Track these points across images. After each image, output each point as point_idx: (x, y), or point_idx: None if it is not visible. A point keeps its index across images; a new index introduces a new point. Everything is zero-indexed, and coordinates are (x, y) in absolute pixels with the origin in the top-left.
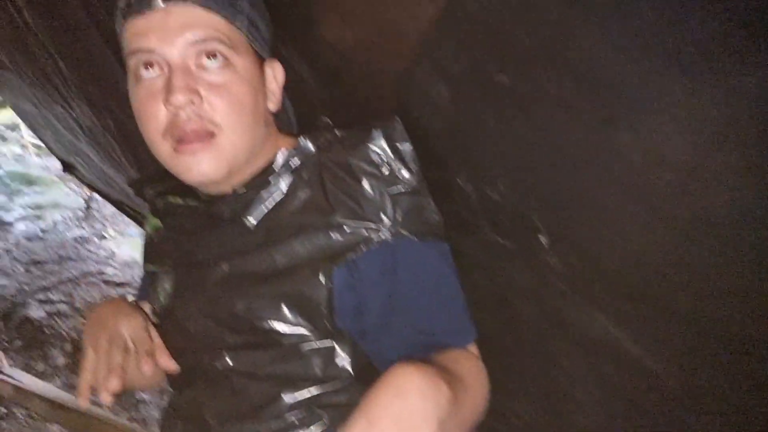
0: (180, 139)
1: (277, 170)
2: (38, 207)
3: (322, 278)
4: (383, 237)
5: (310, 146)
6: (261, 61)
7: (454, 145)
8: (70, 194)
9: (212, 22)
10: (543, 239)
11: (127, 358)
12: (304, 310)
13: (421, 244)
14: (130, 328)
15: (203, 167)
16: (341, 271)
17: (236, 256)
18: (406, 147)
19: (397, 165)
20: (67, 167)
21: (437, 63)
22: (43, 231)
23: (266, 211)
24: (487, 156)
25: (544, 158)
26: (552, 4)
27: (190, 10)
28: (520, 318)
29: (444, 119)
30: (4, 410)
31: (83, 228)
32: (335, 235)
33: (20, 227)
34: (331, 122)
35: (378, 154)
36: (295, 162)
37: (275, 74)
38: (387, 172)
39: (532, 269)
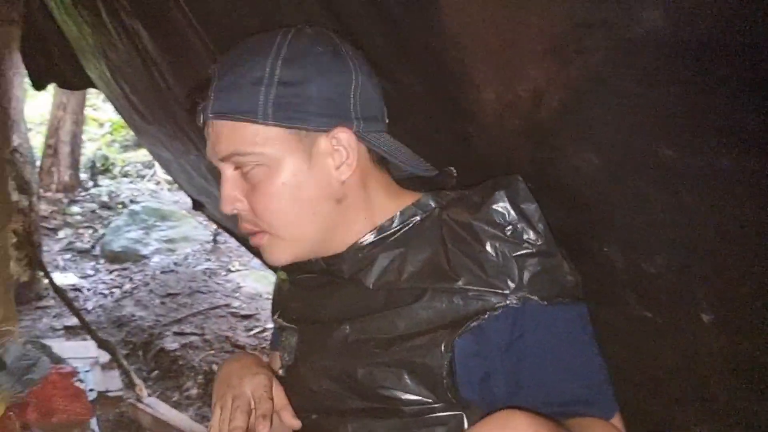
0: (248, 234)
1: (394, 228)
2: (171, 241)
3: (443, 348)
4: (509, 302)
5: (432, 203)
6: (322, 132)
7: (604, 213)
8: (198, 228)
9: (235, 132)
10: (705, 317)
11: (249, 420)
12: (427, 380)
13: (551, 308)
14: (253, 387)
15: (273, 257)
16: (465, 339)
17: (358, 319)
18: (530, 207)
19: (521, 226)
20: (197, 205)
21: (582, 128)
22: (175, 264)
23: (384, 270)
24: (644, 228)
25: (717, 235)
26: (727, 84)
27: (219, 124)
28: (667, 398)
29: (592, 186)
30: None
31: (211, 261)
32: (458, 301)
33: (156, 260)
34: (454, 171)
35: (502, 215)
36: (415, 219)
37: (340, 142)
38: (510, 233)
39: (687, 348)
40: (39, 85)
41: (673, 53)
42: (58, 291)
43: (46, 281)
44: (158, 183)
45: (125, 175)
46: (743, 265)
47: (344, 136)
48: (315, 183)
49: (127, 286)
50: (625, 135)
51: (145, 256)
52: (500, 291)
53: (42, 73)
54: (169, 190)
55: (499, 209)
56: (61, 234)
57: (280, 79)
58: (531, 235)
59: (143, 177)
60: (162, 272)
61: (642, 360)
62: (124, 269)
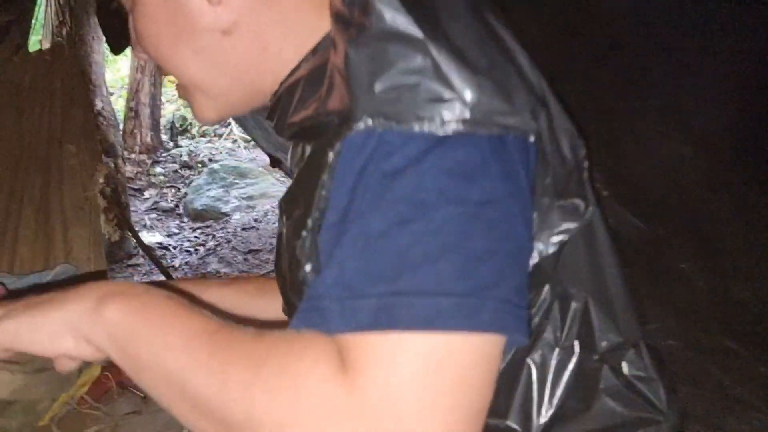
0: None
1: (314, 58)
2: (250, 198)
3: (304, 233)
4: (352, 127)
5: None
6: None
7: (691, 223)
8: (276, 184)
9: None
10: None
11: None
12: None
13: (396, 135)
14: None
15: (194, 113)
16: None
17: (286, 204)
18: None
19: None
20: (275, 162)
21: (671, 112)
22: (255, 221)
23: (290, 113)
24: (736, 250)
25: None
26: None
27: None
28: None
29: (680, 187)
30: None
31: None
32: (313, 144)
33: (236, 217)
34: None
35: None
36: (321, 56)
37: None
38: (351, 17)
39: None
40: (117, 48)
41: None
42: (146, 249)
43: (134, 241)
44: (235, 141)
45: (203, 135)
46: None
47: None
48: (176, 13)
49: (211, 243)
50: (723, 127)
51: (226, 214)
52: (341, 108)
53: (119, 37)
54: (245, 148)
55: None
56: (146, 194)
57: None
58: (370, 18)
59: (220, 136)
60: (243, 229)
61: (719, 393)
62: (207, 227)
